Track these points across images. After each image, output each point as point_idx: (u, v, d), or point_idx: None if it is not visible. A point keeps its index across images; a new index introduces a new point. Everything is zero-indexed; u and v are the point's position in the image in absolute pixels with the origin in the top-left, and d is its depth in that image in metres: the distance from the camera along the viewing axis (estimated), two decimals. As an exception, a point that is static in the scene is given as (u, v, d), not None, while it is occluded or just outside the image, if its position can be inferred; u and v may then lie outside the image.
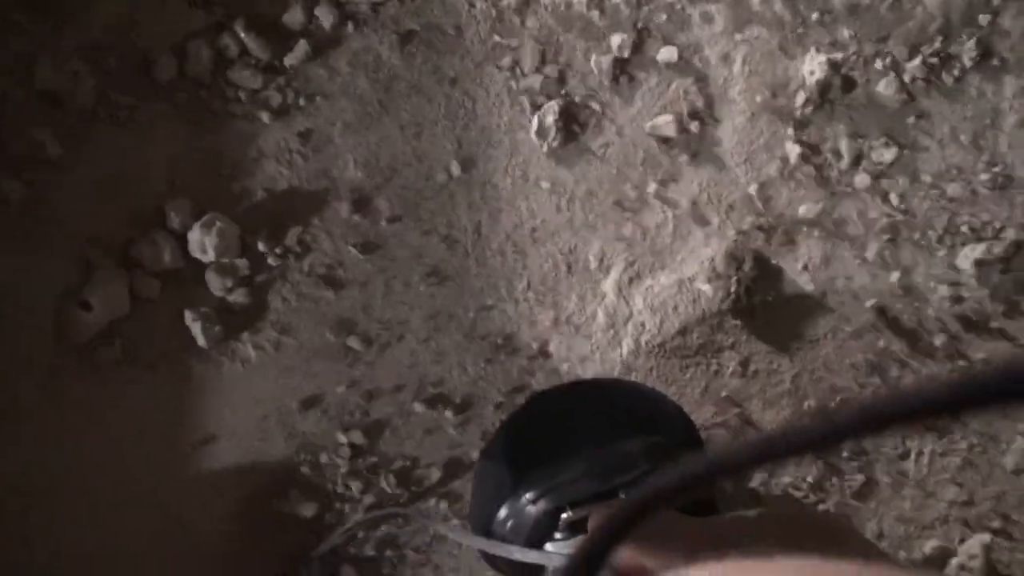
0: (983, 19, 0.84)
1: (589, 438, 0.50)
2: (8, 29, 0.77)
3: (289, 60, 0.81)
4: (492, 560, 0.54)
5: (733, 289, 0.81)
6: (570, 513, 0.44)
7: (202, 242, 0.78)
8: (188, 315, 0.79)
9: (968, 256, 0.82)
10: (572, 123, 0.83)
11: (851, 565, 0.31)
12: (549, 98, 0.83)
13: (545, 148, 0.83)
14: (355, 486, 0.81)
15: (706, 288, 0.81)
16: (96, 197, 0.79)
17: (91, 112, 0.79)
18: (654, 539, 0.36)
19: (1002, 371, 0.17)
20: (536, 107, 0.82)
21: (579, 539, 0.41)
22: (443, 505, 0.82)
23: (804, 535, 0.33)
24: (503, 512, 0.49)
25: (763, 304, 0.82)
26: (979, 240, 0.82)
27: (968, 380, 0.17)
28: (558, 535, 0.44)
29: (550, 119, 0.82)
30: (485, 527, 0.51)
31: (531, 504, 0.46)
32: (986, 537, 0.84)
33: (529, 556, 0.45)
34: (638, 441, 0.49)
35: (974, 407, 0.18)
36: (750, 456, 0.21)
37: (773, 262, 0.83)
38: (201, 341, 0.79)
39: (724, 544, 0.34)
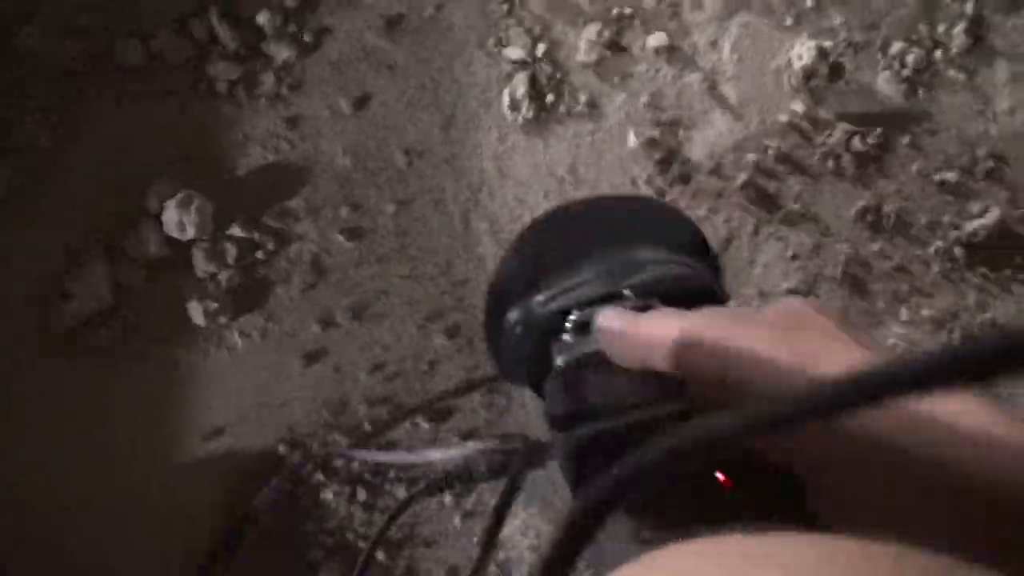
0: (970, 7, 0.84)
1: (601, 245, 0.51)
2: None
3: (275, 46, 0.81)
4: (500, 361, 0.55)
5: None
6: (577, 313, 0.44)
7: (180, 222, 0.76)
8: (187, 297, 0.78)
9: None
10: (561, 108, 0.82)
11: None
12: (537, 84, 0.82)
13: (532, 133, 0.82)
14: (339, 466, 0.80)
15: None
16: (80, 183, 0.78)
17: (76, 98, 0.78)
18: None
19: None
20: (524, 92, 0.82)
21: (587, 338, 0.41)
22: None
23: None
24: (513, 316, 0.50)
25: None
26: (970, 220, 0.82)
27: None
28: (565, 336, 0.44)
29: (528, 101, 0.81)
30: (496, 334, 0.52)
31: (541, 307, 0.47)
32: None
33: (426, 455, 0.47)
34: (648, 249, 0.49)
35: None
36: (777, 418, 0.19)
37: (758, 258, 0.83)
38: (199, 320, 0.78)
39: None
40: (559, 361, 0.43)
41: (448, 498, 0.81)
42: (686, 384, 0.34)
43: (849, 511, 0.30)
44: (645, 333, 0.36)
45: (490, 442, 0.48)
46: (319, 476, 0.79)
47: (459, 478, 0.50)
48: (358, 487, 0.80)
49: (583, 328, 0.44)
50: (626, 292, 0.44)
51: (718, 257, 0.55)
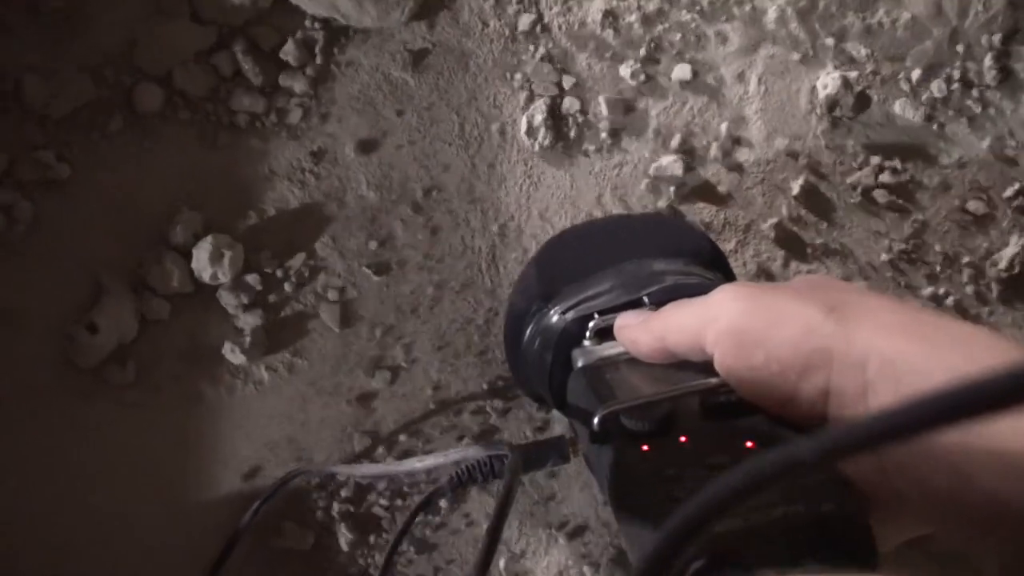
0: (997, 39, 0.83)
1: (618, 258, 0.52)
2: (4, 34, 0.76)
3: (299, 79, 0.81)
4: (519, 377, 0.56)
5: None
6: (597, 319, 0.45)
7: (213, 272, 0.76)
8: (213, 332, 0.77)
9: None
10: (586, 142, 0.82)
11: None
12: (560, 115, 0.82)
13: (558, 166, 0.82)
14: (350, 510, 0.79)
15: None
16: (104, 216, 0.78)
17: (96, 130, 0.78)
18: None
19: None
20: (542, 121, 0.81)
21: (607, 343, 0.43)
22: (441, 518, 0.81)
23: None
24: (530, 330, 0.50)
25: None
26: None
27: None
28: (586, 342, 0.45)
29: (545, 130, 0.81)
30: (515, 351, 0.53)
31: (560, 316, 0.47)
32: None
33: (427, 461, 0.53)
34: (665, 261, 0.50)
35: None
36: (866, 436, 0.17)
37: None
38: (226, 355, 0.77)
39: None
40: (581, 363, 0.44)
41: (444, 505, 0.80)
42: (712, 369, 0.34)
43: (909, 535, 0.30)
44: (663, 321, 0.36)
45: (472, 449, 0.49)
46: (317, 493, 0.79)
47: (460, 481, 0.50)
48: (343, 502, 0.79)
49: (604, 334, 0.45)
50: (645, 300, 0.45)
51: (731, 268, 0.55)
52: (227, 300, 0.78)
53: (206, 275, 0.76)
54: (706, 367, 0.35)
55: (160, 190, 0.79)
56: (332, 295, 0.80)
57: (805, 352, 0.29)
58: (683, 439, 0.32)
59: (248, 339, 0.78)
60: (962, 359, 0.25)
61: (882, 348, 0.27)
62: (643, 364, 0.39)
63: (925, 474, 0.25)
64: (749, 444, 0.30)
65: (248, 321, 0.78)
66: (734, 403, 0.32)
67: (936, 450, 0.25)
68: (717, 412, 0.33)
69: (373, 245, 0.80)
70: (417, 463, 0.55)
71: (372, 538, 0.79)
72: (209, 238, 0.76)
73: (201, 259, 0.76)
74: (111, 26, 0.78)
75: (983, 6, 0.84)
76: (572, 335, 0.47)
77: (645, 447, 0.32)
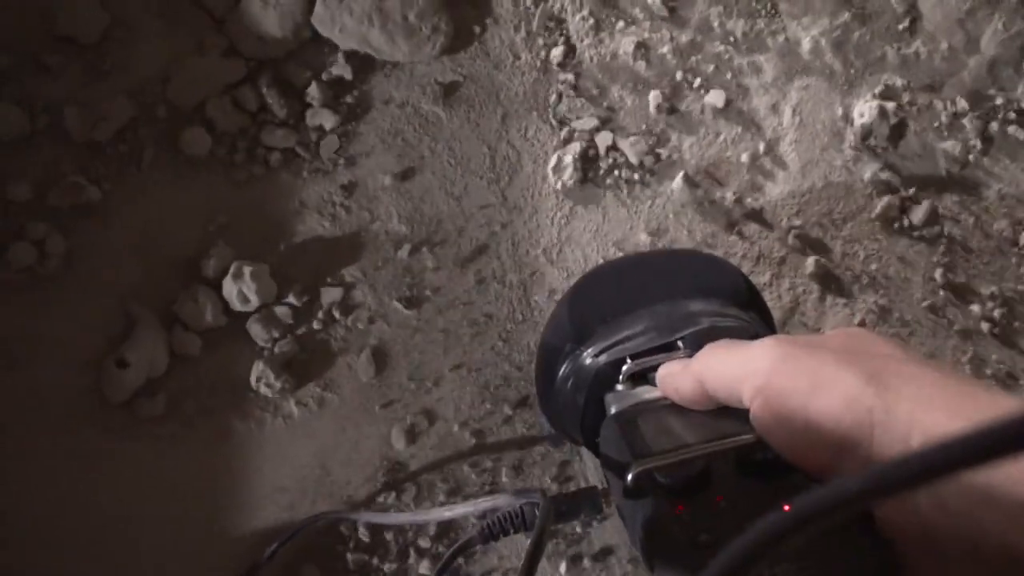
0: (1036, 67, 0.82)
1: (652, 299, 0.50)
2: (41, 73, 0.77)
3: (329, 113, 0.81)
4: (551, 416, 0.55)
5: None
6: (631, 363, 0.44)
7: (240, 292, 0.76)
8: (243, 366, 0.77)
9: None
10: (618, 175, 0.81)
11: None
12: (592, 150, 0.81)
13: (590, 200, 0.81)
14: (381, 554, 0.78)
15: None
16: (136, 251, 0.78)
17: (128, 164, 0.78)
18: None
19: None
20: (572, 160, 0.81)
21: (640, 388, 0.42)
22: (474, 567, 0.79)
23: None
24: (564, 370, 0.49)
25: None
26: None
27: None
28: (619, 386, 0.44)
29: (573, 169, 0.81)
30: (547, 390, 0.52)
31: (593, 358, 0.46)
32: None
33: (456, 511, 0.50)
34: (699, 301, 0.48)
35: None
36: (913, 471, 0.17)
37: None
38: (256, 389, 0.77)
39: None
40: (614, 409, 0.43)
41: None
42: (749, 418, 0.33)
43: None
44: (704, 364, 0.35)
45: (502, 499, 0.47)
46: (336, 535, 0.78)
47: (491, 533, 0.48)
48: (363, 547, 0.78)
49: (637, 378, 0.43)
50: (679, 344, 0.44)
51: (767, 307, 0.54)
52: (257, 333, 0.77)
53: (234, 296, 0.76)
54: (746, 416, 0.34)
55: (192, 224, 0.79)
56: (362, 328, 0.79)
57: (846, 425, 0.28)
58: (718, 499, 0.31)
59: (278, 373, 0.77)
60: None
61: (924, 422, 0.26)
62: (678, 410, 0.38)
63: (980, 513, 0.25)
64: (786, 508, 0.29)
65: (278, 354, 0.78)
66: (770, 461, 0.31)
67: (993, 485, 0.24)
68: (753, 470, 0.32)
69: (404, 278, 0.80)
70: (446, 512, 0.54)
71: None
72: (232, 267, 0.76)
73: (228, 283, 0.76)
74: (146, 59, 0.79)
75: (1002, 26, 0.82)
76: (605, 378, 0.46)
77: (680, 507, 0.31)
